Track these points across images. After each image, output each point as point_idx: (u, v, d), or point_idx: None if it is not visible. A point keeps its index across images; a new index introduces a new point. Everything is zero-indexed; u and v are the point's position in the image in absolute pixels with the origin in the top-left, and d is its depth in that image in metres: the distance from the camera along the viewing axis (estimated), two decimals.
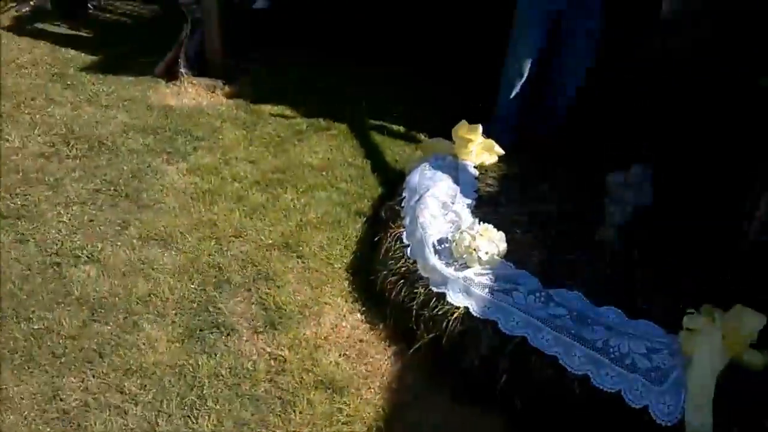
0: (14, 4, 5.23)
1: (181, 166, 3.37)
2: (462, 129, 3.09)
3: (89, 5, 5.28)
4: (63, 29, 4.88)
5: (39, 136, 3.52)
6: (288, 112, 3.91)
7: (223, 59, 4.22)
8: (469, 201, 2.86)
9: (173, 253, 2.79)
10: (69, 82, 4.08)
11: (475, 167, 3.10)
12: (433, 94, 4.05)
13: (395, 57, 4.23)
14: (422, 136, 3.69)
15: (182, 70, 4.16)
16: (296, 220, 3.04)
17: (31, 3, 5.22)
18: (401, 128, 3.80)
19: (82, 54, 4.45)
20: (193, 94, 4.08)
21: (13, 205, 3.00)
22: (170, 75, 4.19)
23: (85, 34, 4.81)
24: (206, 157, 3.46)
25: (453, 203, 2.82)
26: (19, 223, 2.89)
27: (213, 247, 2.84)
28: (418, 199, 2.81)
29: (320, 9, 4.59)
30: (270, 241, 2.90)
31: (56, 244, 2.79)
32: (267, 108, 3.93)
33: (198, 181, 3.26)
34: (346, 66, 4.33)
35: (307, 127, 3.79)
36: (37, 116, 3.69)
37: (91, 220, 2.95)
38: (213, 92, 4.10)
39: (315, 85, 4.19)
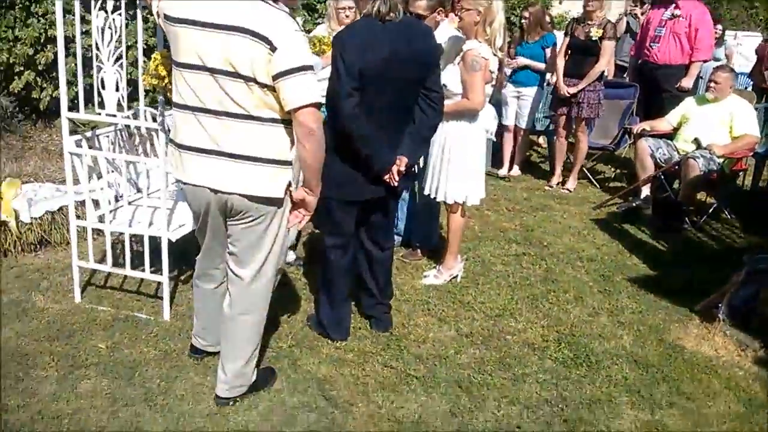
0: (620, 202, 5.61)
1: None
2: None
3: (686, 220, 5.20)
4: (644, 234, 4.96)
5: None
6: None
7: None
8: None
9: None
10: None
11: None
12: None
13: None
14: None
15: (721, 315, 3.64)
16: None
17: (635, 204, 5.48)
18: None
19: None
20: (717, 343, 3.51)
21: None
22: (707, 315, 3.73)
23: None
24: None
25: None
26: None
27: None
28: None
29: None
30: None
31: None
32: None
33: None
34: None
35: None
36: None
37: None
38: (741, 351, 3.44)
39: None
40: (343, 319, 3.36)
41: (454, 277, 4.07)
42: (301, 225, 2.73)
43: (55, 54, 3.28)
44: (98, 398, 2.77)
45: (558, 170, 6.17)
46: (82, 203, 3.58)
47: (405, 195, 4.42)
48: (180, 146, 2.52)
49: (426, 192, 3.97)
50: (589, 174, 6.38)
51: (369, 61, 2.84)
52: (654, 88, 6.11)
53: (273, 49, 2.31)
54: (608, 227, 5.17)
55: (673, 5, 5.99)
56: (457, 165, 3.78)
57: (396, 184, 3.09)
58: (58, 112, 3.48)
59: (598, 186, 6.26)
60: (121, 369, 2.98)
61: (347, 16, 4.18)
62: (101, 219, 3.52)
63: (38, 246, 4.15)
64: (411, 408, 2.86)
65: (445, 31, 4.04)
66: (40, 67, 5.85)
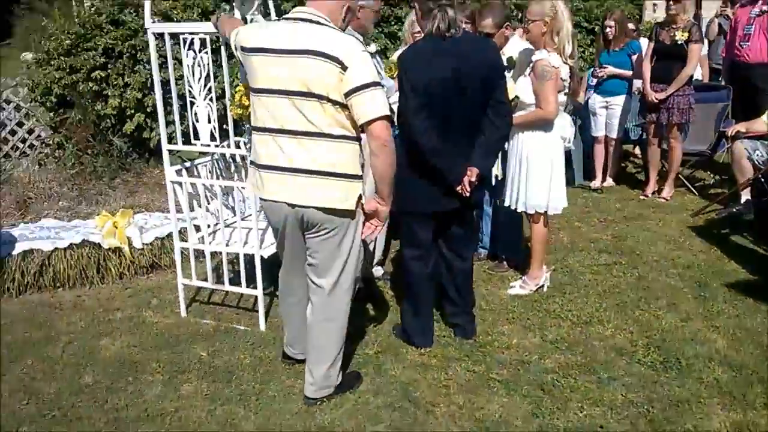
0: (720, 208, 5.38)
1: None
2: None
3: None
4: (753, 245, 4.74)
5: None
6: None
7: None
8: None
9: None
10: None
11: None
12: None
13: None
14: None
15: None
16: None
17: (734, 209, 5.25)
18: None
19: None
20: None
21: None
22: None
23: None
24: None
25: None
26: None
27: None
28: None
29: None
30: None
31: None
32: None
33: None
34: None
35: None
36: None
37: None
38: None
39: None
40: (426, 326, 3.46)
41: (540, 287, 4.08)
42: (374, 235, 2.87)
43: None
44: (198, 398, 3.01)
45: (653, 179, 6.01)
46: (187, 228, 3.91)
47: (488, 209, 4.49)
48: (259, 166, 2.74)
49: (507, 203, 4.02)
50: (686, 181, 6.16)
51: (433, 77, 2.98)
52: (748, 88, 5.87)
53: (344, 68, 2.51)
54: (707, 234, 4.99)
55: (761, 1, 5.77)
56: (535, 174, 3.82)
57: (468, 194, 3.17)
58: None
59: (696, 193, 6.04)
60: (219, 373, 3.22)
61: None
62: (201, 240, 3.82)
63: (150, 269, 4.53)
64: (492, 408, 2.91)
65: (516, 44, 4.14)
66: (148, 109, 6.39)
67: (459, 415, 2.87)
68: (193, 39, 3.44)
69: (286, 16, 2.74)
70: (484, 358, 3.34)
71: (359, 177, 2.72)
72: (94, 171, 6.32)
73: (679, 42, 5.42)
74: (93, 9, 6.80)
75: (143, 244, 4.55)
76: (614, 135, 6.15)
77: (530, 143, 3.82)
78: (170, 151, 3.74)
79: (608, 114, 6.11)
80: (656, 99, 5.56)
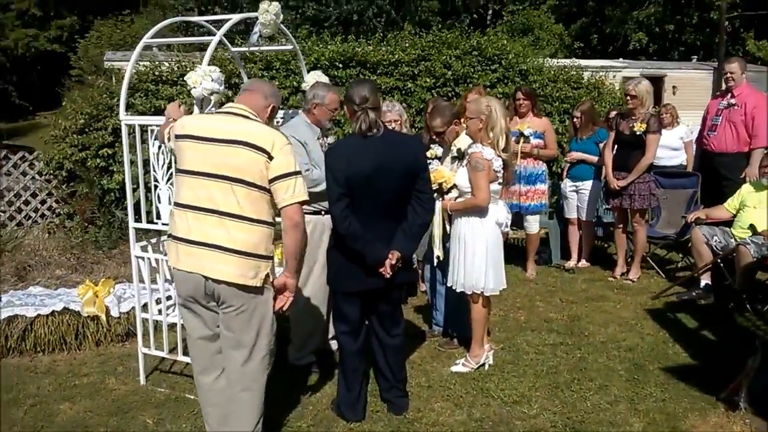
0: (682, 291, 5.52)
1: None
2: None
3: (747, 307, 5.04)
4: None
5: None
6: None
7: None
8: None
9: None
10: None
11: None
12: None
13: None
14: None
15: (741, 403, 3.56)
16: None
17: (694, 293, 5.39)
18: None
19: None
20: (736, 430, 3.44)
21: None
22: (731, 403, 3.65)
23: None
24: None
25: None
26: None
27: None
28: None
29: None
30: None
31: None
32: None
33: None
34: None
35: None
36: None
37: None
38: None
39: None
40: (356, 400, 3.67)
41: (481, 365, 4.27)
42: (285, 306, 3.14)
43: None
44: None
45: (621, 261, 6.19)
46: (159, 300, 4.22)
47: (440, 288, 4.73)
48: (177, 239, 3.02)
49: (449, 284, 4.28)
50: (654, 264, 6.32)
51: (354, 171, 3.31)
52: (714, 176, 6.08)
53: (270, 158, 2.92)
54: (661, 317, 5.13)
55: (730, 94, 6.04)
56: (471, 256, 4.08)
57: (388, 275, 3.44)
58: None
59: (663, 276, 6.18)
60: None
61: (393, 129, 4.68)
62: (160, 312, 4.14)
63: (125, 337, 4.86)
64: None
65: (464, 139, 4.48)
66: (149, 185, 6.87)
67: None
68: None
69: (219, 110, 3.13)
70: None
71: (270, 258, 3.05)
72: (96, 241, 6.78)
73: (638, 133, 5.70)
74: (107, 92, 7.42)
75: (120, 313, 4.89)
76: (585, 217, 6.38)
77: (467, 227, 4.09)
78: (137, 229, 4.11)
79: (579, 198, 6.37)
80: (618, 186, 5.80)
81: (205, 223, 2.96)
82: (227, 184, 2.93)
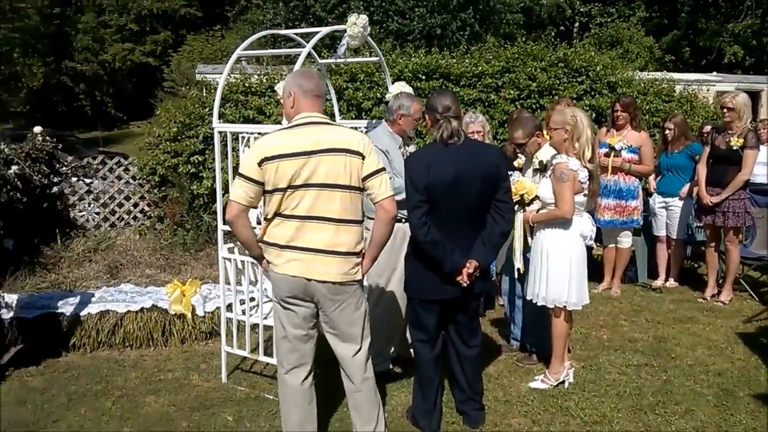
0: None
1: None
2: None
3: None
4: None
5: None
6: None
7: None
8: None
9: None
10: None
11: None
12: None
13: None
14: None
15: None
16: None
17: None
18: None
19: None
20: None
21: None
22: None
23: None
24: None
25: None
26: None
27: None
28: None
29: None
30: None
31: None
32: None
33: None
34: None
35: None
36: None
37: None
38: None
39: None
40: (432, 410, 3.65)
41: (560, 383, 4.16)
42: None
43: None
44: None
45: (711, 281, 5.90)
46: (243, 301, 4.36)
47: (519, 301, 4.65)
48: (281, 246, 3.11)
49: (528, 297, 4.20)
50: (747, 286, 5.99)
51: (433, 179, 3.31)
52: None
53: (363, 158, 3.07)
54: (753, 341, 4.86)
55: None
56: (554, 269, 4.00)
57: (465, 284, 3.41)
58: None
59: (757, 299, 5.85)
60: None
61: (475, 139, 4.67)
62: (244, 312, 4.26)
63: (209, 336, 5.02)
64: None
65: (548, 150, 4.40)
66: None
67: None
68: (248, 137, 4.02)
69: (297, 122, 3.12)
70: None
71: (363, 250, 3.20)
72: (184, 243, 7.05)
73: (735, 148, 5.44)
74: (199, 102, 7.73)
75: (205, 312, 5.07)
76: (674, 235, 6.13)
77: (550, 239, 4.02)
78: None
79: (668, 214, 6.13)
80: (711, 202, 5.55)
81: (310, 229, 3.07)
82: (329, 191, 3.05)
